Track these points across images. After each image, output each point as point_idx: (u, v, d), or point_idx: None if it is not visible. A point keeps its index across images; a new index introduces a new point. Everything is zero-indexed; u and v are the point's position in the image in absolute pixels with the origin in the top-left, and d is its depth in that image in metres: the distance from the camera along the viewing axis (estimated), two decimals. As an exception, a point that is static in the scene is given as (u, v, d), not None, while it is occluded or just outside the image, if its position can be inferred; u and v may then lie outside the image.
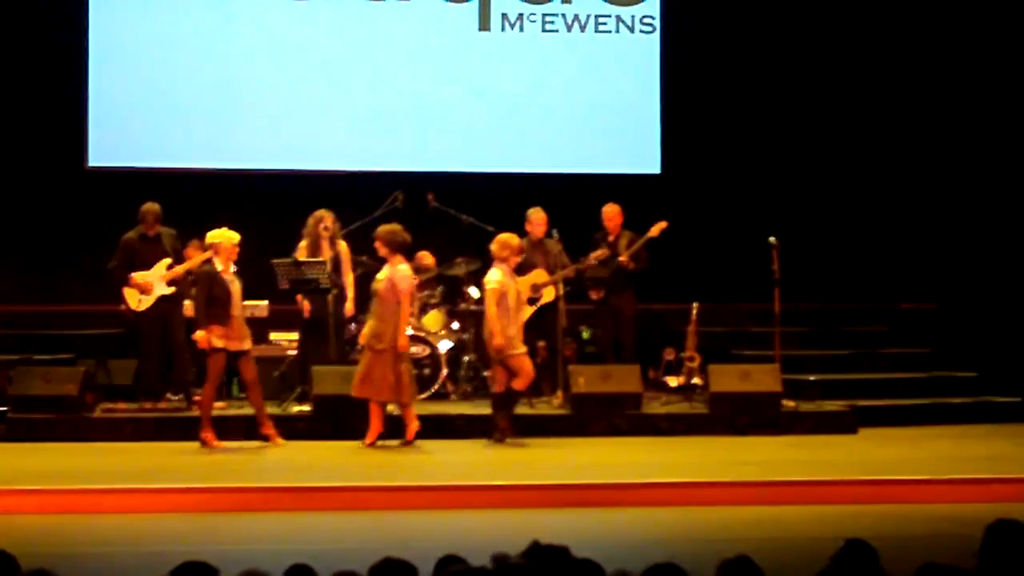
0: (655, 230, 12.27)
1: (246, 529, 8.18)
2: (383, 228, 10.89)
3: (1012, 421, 12.30)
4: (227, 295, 10.59)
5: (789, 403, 11.82)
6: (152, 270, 11.63)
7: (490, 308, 10.77)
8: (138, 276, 11.61)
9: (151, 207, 11.75)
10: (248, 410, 11.36)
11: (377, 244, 10.82)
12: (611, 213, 12.53)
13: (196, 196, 13.36)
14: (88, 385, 11.43)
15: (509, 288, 10.86)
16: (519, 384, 10.85)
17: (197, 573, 3.98)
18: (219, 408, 11.63)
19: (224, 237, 10.68)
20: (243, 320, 10.79)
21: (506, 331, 10.73)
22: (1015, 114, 14.16)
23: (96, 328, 12.98)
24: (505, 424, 10.88)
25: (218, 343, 10.55)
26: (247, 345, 10.72)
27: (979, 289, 13.99)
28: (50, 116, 13.73)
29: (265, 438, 10.75)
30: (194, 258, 11.96)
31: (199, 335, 10.62)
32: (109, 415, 11.38)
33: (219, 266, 10.66)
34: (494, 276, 10.87)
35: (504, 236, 11.10)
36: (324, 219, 11.89)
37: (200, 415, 10.76)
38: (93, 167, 13.83)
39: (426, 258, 12.88)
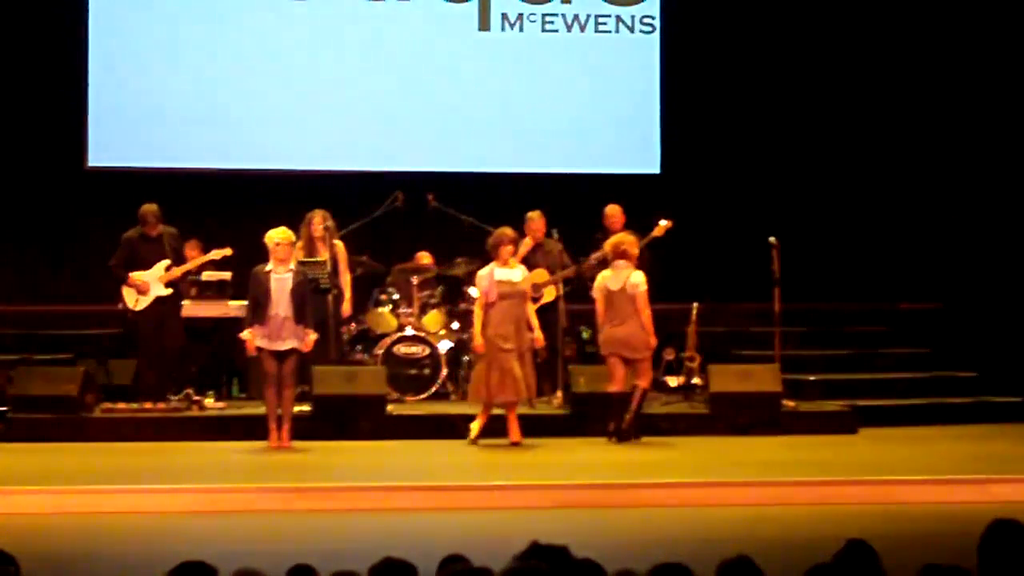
0: (659, 230, 12.23)
1: (246, 529, 8.18)
2: (511, 232, 11.01)
3: (1012, 421, 12.29)
4: (266, 295, 10.54)
5: (789, 403, 11.82)
6: (151, 271, 11.61)
7: (644, 310, 10.80)
8: (136, 276, 11.59)
9: (150, 208, 11.70)
10: (246, 410, 11.39)
11: (510, 248, 10.91)
12: (613, 213, 12.49)
13: (196, 196, 13.36)
14: (88, 385, 11.42)
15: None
16: (645, 383, 10.90)
17: (196, 573, 3.98)
18: (219, 408, 11.64)
19: (267, 237, 10.62)
20: (287, 319, 10.48)
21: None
22: (1015, 114, 14.16)
23: (96, 328, 12.97)
24: (620, 424, 10.84)
25: (260, 343, 10.53)
26: (281, 345, 10.50)
27: (980, 289, 13.99)
28: (50, 116, 13.73)
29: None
30: (193, 260, 11.96)
31: (244, 335, 10.63)
32: (109, 415, 11.37)
33: (269, 266, 10.61)
34: (640, 277, 10.89)
35: (623, 236, 11.18)
36: (312, 220, 11.82)
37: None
38: (93, 167, 13.83)
39: (425, 258, 12.89)
